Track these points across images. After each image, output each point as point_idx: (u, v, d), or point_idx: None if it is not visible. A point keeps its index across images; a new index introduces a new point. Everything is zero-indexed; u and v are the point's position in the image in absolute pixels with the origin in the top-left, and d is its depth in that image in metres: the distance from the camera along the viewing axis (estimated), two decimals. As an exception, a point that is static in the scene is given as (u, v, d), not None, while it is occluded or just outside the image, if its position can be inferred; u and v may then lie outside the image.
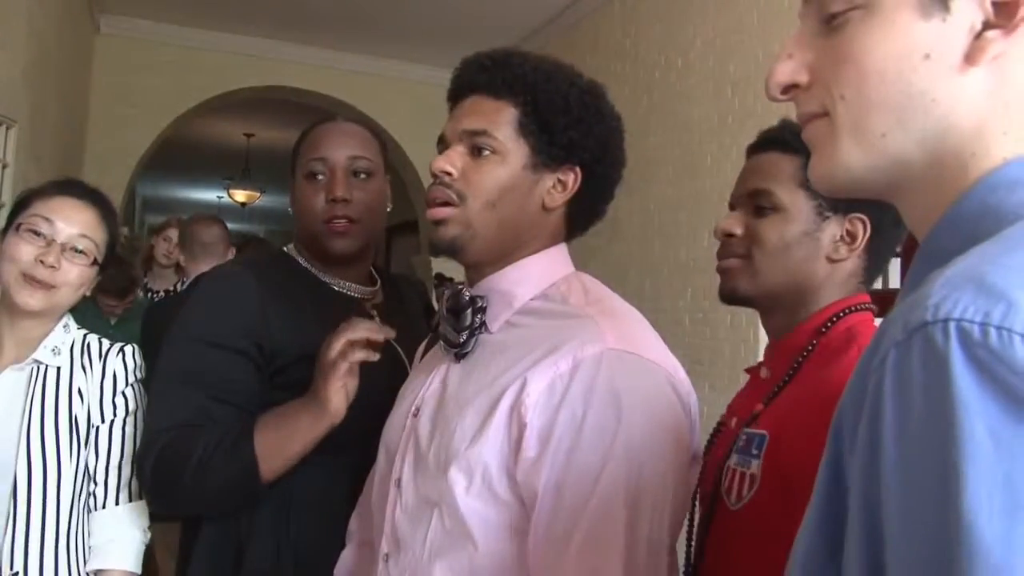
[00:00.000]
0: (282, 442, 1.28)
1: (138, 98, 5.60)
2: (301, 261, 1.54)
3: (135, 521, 1.54)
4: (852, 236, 1.11)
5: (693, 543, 1.17)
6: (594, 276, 1.18)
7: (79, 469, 1.49)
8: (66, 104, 4.78)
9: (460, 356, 1.11)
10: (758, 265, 1.13)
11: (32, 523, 1.43)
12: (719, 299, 1.21)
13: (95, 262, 1.53)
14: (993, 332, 0.42)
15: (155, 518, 1.57)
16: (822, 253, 1.12)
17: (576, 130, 1.10)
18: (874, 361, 0.48)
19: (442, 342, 1.13)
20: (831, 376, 1.02)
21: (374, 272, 1.61)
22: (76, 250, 1.49)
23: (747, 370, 1.25)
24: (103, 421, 1.52)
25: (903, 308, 0.48)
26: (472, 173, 1.08)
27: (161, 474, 1.31)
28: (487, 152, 1.08)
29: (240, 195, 9.68)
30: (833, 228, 1.12)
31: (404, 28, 5.36)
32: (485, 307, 1.10)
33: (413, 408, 1.15)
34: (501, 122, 1.08)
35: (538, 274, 1.12)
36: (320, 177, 1.49)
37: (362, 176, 1.51)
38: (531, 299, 1.10)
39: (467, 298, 1.10)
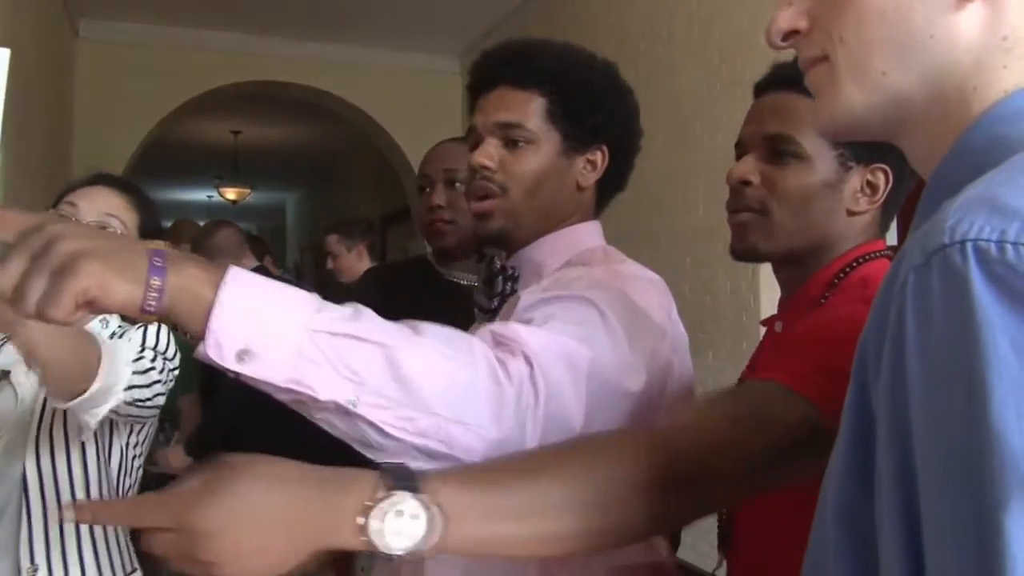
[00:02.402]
0: None
1: (123, 101, 5.56)
2: (428, 258, 2.04)
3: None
4: (873, 188, 1.06)
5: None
6: None
7: (99, 460, 1.47)
8: (50, 112, 4.75)
9: (491, 316, 1.16)
10: (776, 219, 1.07)
11: (49, 515, 1.40)
12: (731, 256, 1.15)
13: None
14: (1010, 248, 0.44)
15: None
16: (843, 206, 1.06)
17: (601, 112, 1.15)
18: (894, 288, 0.49)
19: (475, 309, 1.20)
20: (831, 318, 0.99)
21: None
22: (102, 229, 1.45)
23: (763, 322, 1.20)
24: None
25: (919, 235, 0.49)
26: (510, 164, 1.13)
27: None
28: (521, 143, 1.13)
29: (231, 193, 9.66)
30: (855, 179, 1.06)
31: (385, 16, 5.33)
32: (517, 276, 1.17)
33: None
34: (531, 113, 1.13)
35: (568, 245, 1.18)
36: (427, 189, 1.96)
37: (457, 185, 1.87)
38: (558, 267, 1.15)
39: (499, 266, 1.17)
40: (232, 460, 0.72)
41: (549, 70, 1.13)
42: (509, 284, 1.16)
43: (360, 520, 0.69)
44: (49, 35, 4.69)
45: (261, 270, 3.45)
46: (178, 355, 1.55)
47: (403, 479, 0.72)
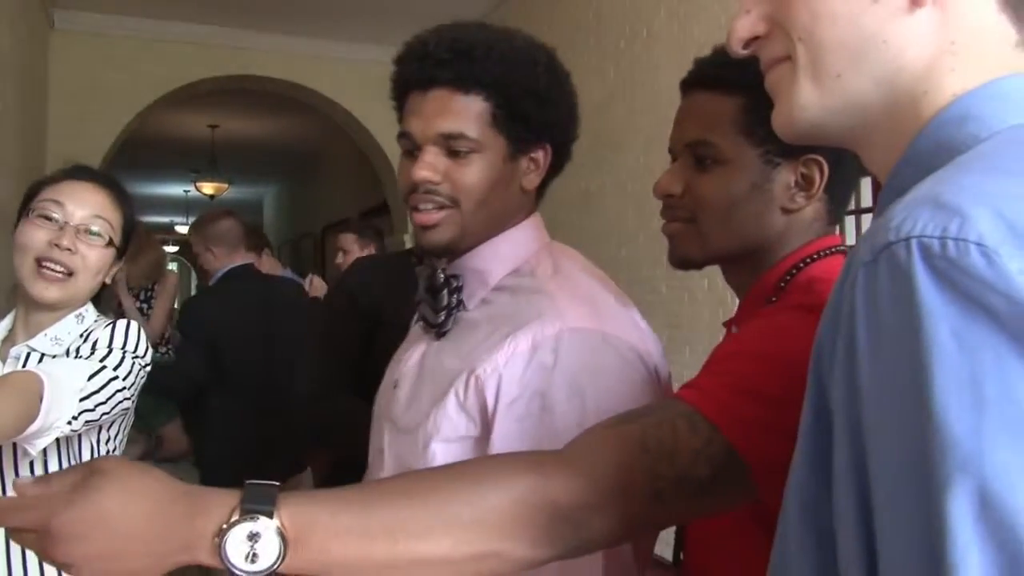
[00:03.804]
0: None
1: (98, 94, 5.51)
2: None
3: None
4: (808, 181, 1.00)
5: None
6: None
7: (69, 462, 1.43)
8: (24, 104, 4.70)
9: (440, 335, 1.13)
10: (704, 228, 1.03)
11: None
12: (671, 265, 1.12)
13: (111, 243, 1.47)
14: (951, 244, 0.46)
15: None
16: (775, 205, 1.01)
17: (548, 112, 1.10)
18: (846, 284, 0.51)
19: (421, 322, 1.16)
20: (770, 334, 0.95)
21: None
22: (91, 232, 1.44)
23: (725, 324, 1.17)
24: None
25: (868, 234, 0.51)
26: (455, 175, 1.07)
27: None
28: (465, 152, 1.06)
29: (208, 188, 9.59)
30: (785, 175, 1.00)
31: (364, 9, 5.31)
32: (461, 286, 1.12)
33: (394, 381, 1.19)
34: (475, 120, 1.06)
35: (510, 250, 1.13)
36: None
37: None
38: (505, 275, 1.12)
39: (443, 279, 1.11)
40: (104, 465, 0.73)
41: (493, 73, 1.05)
42: (455, 296, 1.11)
43: (216, 540, 0.71)
44: (23, 25, 4.64)
45: (250, 267, 3.44)
46: (149, 350, 1.53)
47: (260, 501, 0.72)
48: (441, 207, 1.08)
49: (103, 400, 1.37)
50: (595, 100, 4.18)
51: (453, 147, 1.06)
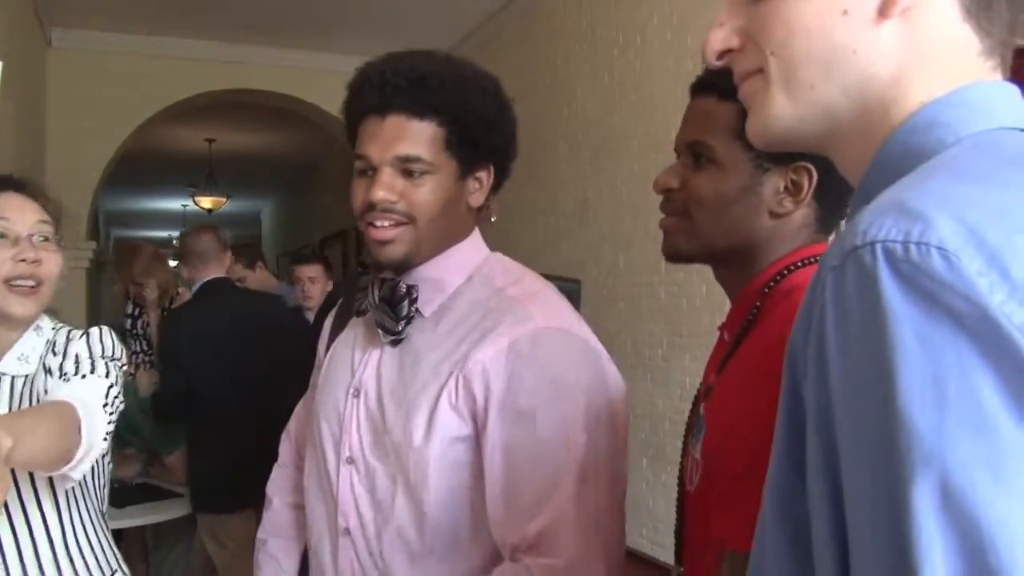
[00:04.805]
0: None
1: (96, 110, 5.52)
2: None
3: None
4: (797, 187, 1.03)
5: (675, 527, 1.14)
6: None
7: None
8: (22, 122, 4.72)
9: (397, 342, 1.21)
10: (696, 223, 1.07)
11: (24, 548, 1.37)
12: (664, 258, 1.14)
13: (60, 245, 1.47)
14: (913, 248, 0.48)
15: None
16: (764, 208, 1.04)
17: (495, 137, 1.20)
18: (816, 288, 0.54)
19: (379, 330, 1.22)
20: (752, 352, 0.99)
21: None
22: (44, 239, 1.44)
23: (719, 328, 1.19)
24: (65, 382, 1.38)
25: (837, 239, 0.53)
26: (411, 195, 1.15)
27: None
28: (419, 174, 1.15)
29: (206, 202, 9.60)
30: (775, 180, 1.04)
31: (358, 22, 5.33)
32: (416, 295, 1.19)
33: (352, 389, 1.24)
34: (429, 144, 1.15)
35: (464, 260, 1.23)
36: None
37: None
38: (461, 284, 1.21)
39: (404, 290, 1.19)
40: None
41: (447, 101, 1.14)
42: (414, 307, 1.19)
43: None
44: (20, 43, 4.66)
45: (225, 280, 3.47)
46: (124, 350, 1.53)
47: None
48: (397, 224, 1.16)
49: (113, 411, 1.40)
50: (591, 109, 4.21)
51: (409, 168, 1.15)
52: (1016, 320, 0.45)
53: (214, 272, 3.40)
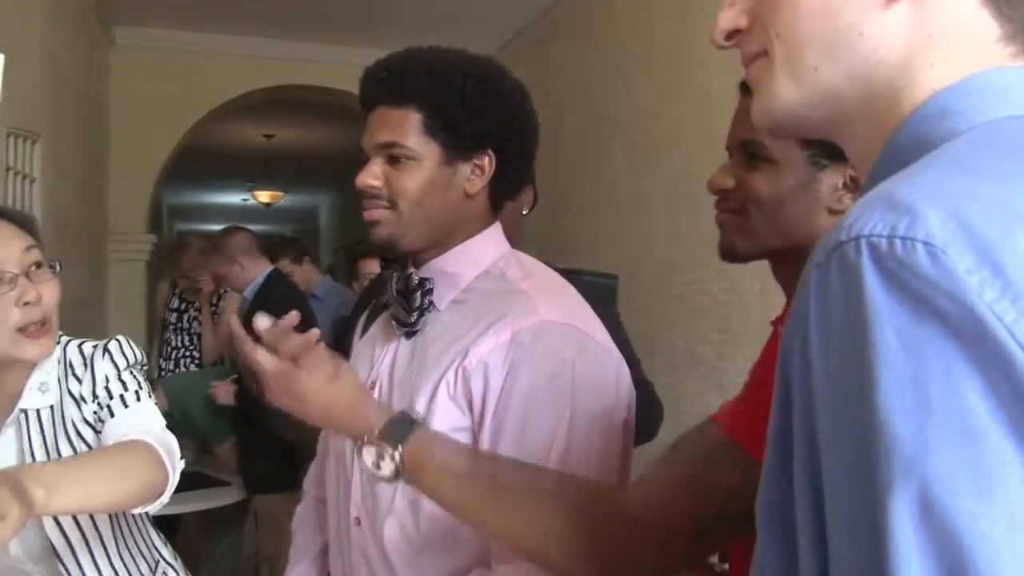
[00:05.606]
0: None
1: (156, 107, 5.65)
2: None
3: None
4: (856, 183, 1.00)
5: None
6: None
7: None
8: (86, 119, 4.83)
9: (411, 334, 1.23)
10: (753, 222, 1.06)
11: (66, 528, 1.37)
12: (720, 257, 1.15)
13: (52, 268, 1.40)
14: (898, 243, 0.45)
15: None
16: (822, 205, 1.03)
17: (478, 120, 1.19)
18: (803, 286, 0.51)
19: (393, 321, 1.25)
20: None
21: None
22: (37, 267, 1.36)
23: (772, 323, 1.19)
24: (112, 416, 1.38)
25: (826, 234, 0.50)
26: (394, 180, 1.20)
27: None
28: (402, 159, 1.19)
29: (264, 196, 9.77)
30: (832, 177, 1.02)
31: (415, 18, 5.35)
32: (432, 288, 1.22)
33: (369, 382, 1.27)
34: (408, 130, 1.19)
35: (480, 254, 1.25)
36: None
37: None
38: (475, 278, 1.23)
39: (416, 281, 1.22)
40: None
41: (421, 86, 1.18)
42: (427, 298, 1.22)
43: (358, 444, 1.01)
44: (85, 42, 4.77)
45: (276, 274, 3.47)
46: (143, 354, 1.51)
47: (395, 431, 0.98)
48: (382, 208, 1.20)
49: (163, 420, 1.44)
50: (645, 102, 4.16)
51: (392, 155, 1.19)
52: (1008, 321, 0.42)
53: (265, 266, 3.42)
